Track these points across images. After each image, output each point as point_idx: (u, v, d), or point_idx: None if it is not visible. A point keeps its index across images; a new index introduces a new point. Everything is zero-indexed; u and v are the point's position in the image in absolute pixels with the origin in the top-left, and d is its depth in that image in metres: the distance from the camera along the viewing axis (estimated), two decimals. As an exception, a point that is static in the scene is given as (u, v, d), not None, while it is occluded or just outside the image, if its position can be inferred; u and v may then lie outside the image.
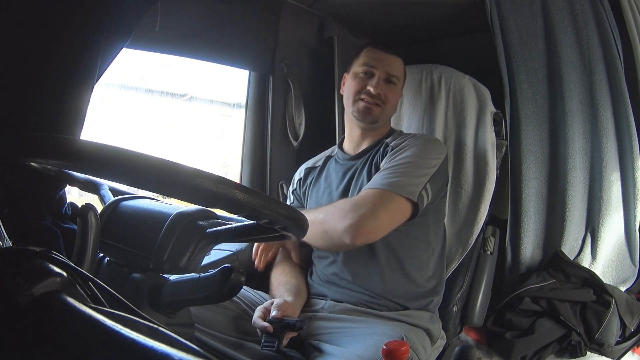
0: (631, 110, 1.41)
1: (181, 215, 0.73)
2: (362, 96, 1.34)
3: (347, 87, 1.40)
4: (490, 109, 1.53)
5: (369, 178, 1.29)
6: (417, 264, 1.29)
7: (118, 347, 0.36)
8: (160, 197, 0.88)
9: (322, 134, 1.75)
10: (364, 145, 1.40)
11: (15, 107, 0.79)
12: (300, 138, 1.74)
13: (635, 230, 1.47)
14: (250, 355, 1.04)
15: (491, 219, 1.54)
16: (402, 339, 1.11)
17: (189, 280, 0.69)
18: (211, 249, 0.82)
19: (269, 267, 1.39)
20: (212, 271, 0.67)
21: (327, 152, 1.52)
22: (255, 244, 1.38)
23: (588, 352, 1.38)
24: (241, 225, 0.68)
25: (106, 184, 0.87)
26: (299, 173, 1.53)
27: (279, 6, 1.64)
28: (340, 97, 1.50)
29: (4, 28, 0.77)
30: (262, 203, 0.59)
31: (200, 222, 0.73)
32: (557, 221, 1.47)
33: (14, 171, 0.70)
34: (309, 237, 1.16)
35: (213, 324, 1.09)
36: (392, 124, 1.48)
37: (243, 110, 1.75)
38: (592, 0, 1.42)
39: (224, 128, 1.89)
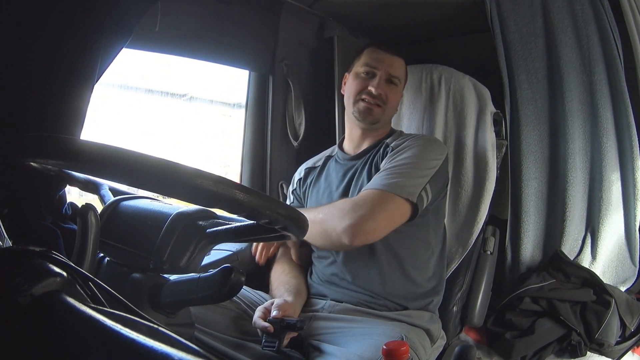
0: (631, 110, 1.41)
1: (181, 215, 0.73)
2: (363, 96, 1.34)
3: (348, 87, 1.39)
4: (490, 109, 1.52)
5: (369, 178, 1.29)
6: (417, 264, 1.29)
7: (118, 347, 0.36)
8: (160, 197, 0.88)
9: (322, 134, 1.75)
10: (364, 146, 1.40)
11: (15, 107, 0.79)
12: (300, 138, 1.74)
13: (635, 230, 1.47)
14: (250, 355, 1.04)
15: (491, 219, 1.54)
16: (402, 339, 1.11)
17: (189, 280, 0.69)
18: (211, 249, 0.82)
19: (269, 264, 1.39)
20: (212, 271, 0.67)
21: (327, 152, 1.52)
22: (255, 242, 1.38)
23: (588, 352, 1.37)
24: (241, 225, 0.68)
25: (106, 184, 0.87)
26: (299, 173, 1.53)
27: (279, 6, 1.64)
28: (341, 97, 1.50)
29: (4, 28, 0.77)
30: (262, 203, 0.59)
31: (200, 222, 0.73)
32: (557, 221, 1.47)
33: (14, 171, 0.70)
34: (308, 236, 1.16)
35: (213, 324, 1.09)
36: (392, 124, 1.48)
37: (243, 110, 1.75)
38: (592, 0, 1.42)
39: (224, 128, 1.89)
